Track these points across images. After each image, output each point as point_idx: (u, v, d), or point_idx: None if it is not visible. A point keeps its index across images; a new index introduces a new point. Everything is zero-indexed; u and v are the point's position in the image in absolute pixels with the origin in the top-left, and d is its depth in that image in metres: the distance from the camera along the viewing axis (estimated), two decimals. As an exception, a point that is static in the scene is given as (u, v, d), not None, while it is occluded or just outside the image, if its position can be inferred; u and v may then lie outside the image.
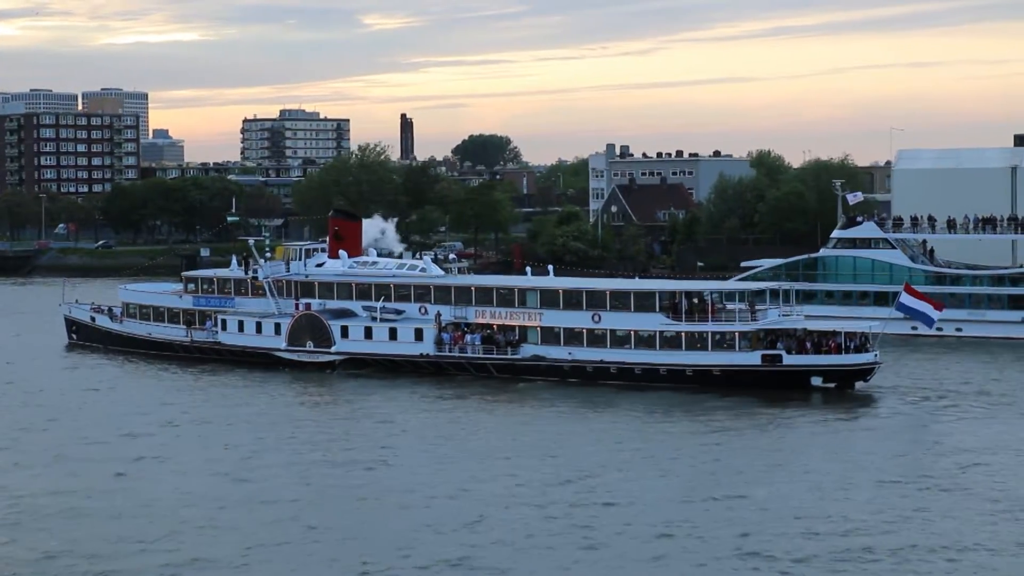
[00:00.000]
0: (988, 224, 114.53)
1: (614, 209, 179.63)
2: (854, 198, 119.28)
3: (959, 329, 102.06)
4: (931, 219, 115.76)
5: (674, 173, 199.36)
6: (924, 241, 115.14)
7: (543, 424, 72.53)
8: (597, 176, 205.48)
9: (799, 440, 68.65)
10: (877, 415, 75.96)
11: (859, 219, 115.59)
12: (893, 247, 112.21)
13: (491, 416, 75.97)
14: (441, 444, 66.69)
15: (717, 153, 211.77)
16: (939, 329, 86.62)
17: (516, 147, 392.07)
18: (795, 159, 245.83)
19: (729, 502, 54.04)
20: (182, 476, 59.58)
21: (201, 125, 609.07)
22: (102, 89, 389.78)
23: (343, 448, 65.85)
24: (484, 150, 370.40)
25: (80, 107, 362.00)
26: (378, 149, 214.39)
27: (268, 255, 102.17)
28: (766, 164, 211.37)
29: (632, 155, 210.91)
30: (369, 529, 50.78)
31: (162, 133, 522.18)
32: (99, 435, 69.34)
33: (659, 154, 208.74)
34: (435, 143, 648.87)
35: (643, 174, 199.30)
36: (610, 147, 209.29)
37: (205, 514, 52.68)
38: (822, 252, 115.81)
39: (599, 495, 55.27)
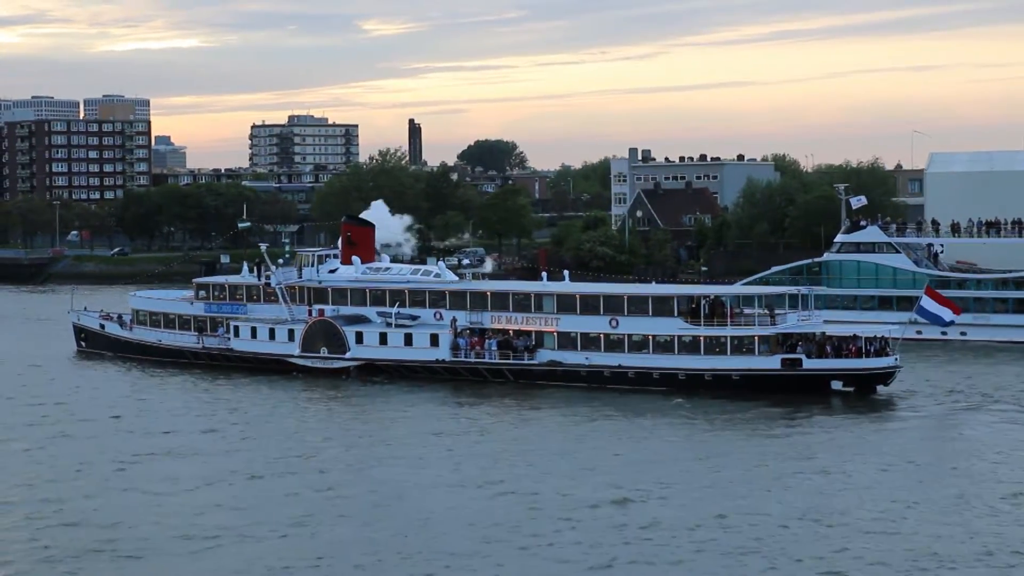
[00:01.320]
0: (992, 228, 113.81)
1: (639, 214, 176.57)
2: (857, 202, 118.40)
3: (963, 333, 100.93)
4: (935, 223, 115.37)
5: (698, 177, 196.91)
6: (930, 245, 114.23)
7: (596, 434, 71.03)
8: (619, 181, 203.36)
9: (869, 447, 66.75)
10: (923, 420, 74.85)
11: (863, 223, 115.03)
12: (897, 251, 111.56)
13: (545, 427, 73.75)
14: (499, 457, 65.01)
15: (741, 157, 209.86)
16: (943, 333, 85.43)
17: (522, 152, 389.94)
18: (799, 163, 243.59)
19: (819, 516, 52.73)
20: (255, 494, 57.64)
21: (202, 131, 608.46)
22: (103, 96, 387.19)
23: (413, 463, 63.91)
24: (491, 155, 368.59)
25: (82, 114, 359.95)
26: (398, 155, 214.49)
27: (282, 261, 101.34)
28: (780, 168, 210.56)
29: (654, 159, 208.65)
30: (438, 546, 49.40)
31: (164, 139, 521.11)
32: (150, 448, 67.62)
33: (681, 158, 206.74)
34: (437, 148, 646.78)
35: (666, 178, 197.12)
36: (632, 151, 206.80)
37: (287, 536, 50.94)
38: (826, 256, 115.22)
39: (673, 510, 53.95)
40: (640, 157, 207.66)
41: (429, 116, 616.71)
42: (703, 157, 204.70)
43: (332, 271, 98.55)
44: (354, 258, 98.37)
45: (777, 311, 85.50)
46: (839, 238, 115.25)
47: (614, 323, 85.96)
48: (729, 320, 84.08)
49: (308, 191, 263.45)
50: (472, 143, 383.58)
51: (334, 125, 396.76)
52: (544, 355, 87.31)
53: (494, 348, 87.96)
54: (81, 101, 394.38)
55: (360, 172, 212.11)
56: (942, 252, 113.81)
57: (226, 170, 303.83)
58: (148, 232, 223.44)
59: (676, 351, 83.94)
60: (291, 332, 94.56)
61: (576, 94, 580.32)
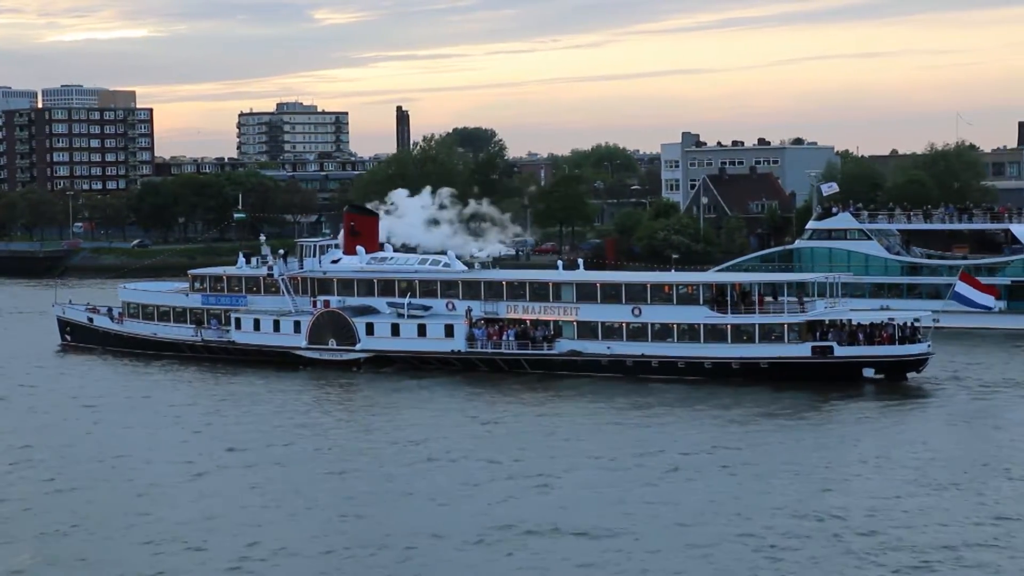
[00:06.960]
0: (965, 213, 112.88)
1: (705, 201, 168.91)
2: (828, 188, 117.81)
3: (936, 320, 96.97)
4: (905, 208, 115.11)
5: (757, 162, 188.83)
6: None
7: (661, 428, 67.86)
8: (671, 167, 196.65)
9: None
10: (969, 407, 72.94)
11: (834, 210, 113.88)
12: (869, 238, 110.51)
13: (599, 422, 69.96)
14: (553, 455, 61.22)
15: (799, 141, 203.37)
16: (916, 320, 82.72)
17: (502, 140, 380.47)
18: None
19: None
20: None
21: (156, 121, 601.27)
22: (62, 86, 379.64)
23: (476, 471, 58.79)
24: (471, 142, 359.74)
25: (40, 104, 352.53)
26: (445, 140, 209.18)
27: (283, 252, 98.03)
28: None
29: (705, 144, 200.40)
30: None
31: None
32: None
33: (735, 142, 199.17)
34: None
35: (723, 164, 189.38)
36: (686, 136, 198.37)
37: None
38: (798, 243, 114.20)
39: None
40: (688, 143, 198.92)
41: (382, 106, 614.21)
42: (760, 141, 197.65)
43: (335, 261, 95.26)
44: (359, 248, 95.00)
45: (805, 299, 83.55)
46: (810, 225, 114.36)
47: (637, 312, 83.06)
48: (757, 308, 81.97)
49: (321, 179, 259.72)
50: (451, 130, 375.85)
51: (324, 113, 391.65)
52: (564, 345, 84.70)
53: (512, 338, 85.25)
54: (39, 91, 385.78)
55: (404, 159, 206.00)
56: None
57: (229, 159, 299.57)
58: (164, 223, 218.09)
59: (702, 339, 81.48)
60: (296, 324, 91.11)
61: (529, 82, 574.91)
